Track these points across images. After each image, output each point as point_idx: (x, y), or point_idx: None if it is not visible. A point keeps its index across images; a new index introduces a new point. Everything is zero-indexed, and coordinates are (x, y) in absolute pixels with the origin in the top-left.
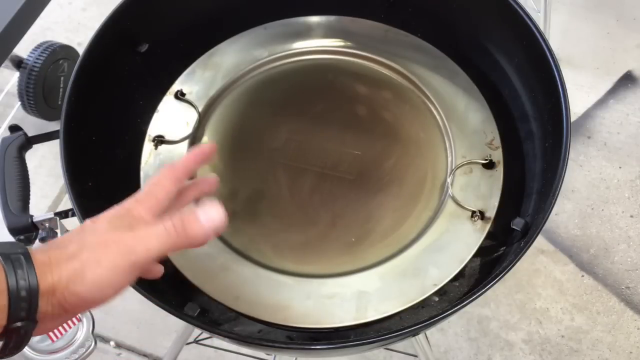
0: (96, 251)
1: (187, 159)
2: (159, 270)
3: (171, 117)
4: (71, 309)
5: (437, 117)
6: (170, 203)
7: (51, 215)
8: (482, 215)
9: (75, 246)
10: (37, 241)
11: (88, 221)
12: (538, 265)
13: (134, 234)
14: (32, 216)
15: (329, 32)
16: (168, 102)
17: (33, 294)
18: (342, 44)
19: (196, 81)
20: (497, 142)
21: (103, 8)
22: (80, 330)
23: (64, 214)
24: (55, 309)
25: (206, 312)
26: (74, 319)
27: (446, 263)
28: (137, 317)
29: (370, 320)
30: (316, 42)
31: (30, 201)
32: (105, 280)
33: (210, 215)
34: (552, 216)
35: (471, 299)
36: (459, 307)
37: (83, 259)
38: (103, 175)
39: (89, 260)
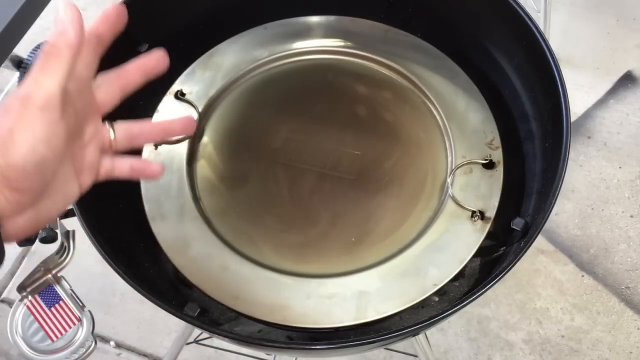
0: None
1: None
2: (155, 169)
3: (171, 117)
4: (19, 186)
5: (437, 117)
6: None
7: None
8: (482, 215)
9: None
10: (37, 241)
11: None
12: (538, 265)
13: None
14: None
15: (329, 32)
16: (168, 102)
17: None
18: (342, 44)
19: (196, 81)
20: (497, 142)
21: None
22: (80, 330)
23: (64, 214)
24: (3, 194)
25: (206, 312)
26: (73, 319)
27: (446, 263)
28: (137, 317)
29: (370, 320)
30: (316, 42)
31: None
32: (26, 137)
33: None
34: (552, 216)
35: (471, 299)
36: (459, 307)
37: None
38: None
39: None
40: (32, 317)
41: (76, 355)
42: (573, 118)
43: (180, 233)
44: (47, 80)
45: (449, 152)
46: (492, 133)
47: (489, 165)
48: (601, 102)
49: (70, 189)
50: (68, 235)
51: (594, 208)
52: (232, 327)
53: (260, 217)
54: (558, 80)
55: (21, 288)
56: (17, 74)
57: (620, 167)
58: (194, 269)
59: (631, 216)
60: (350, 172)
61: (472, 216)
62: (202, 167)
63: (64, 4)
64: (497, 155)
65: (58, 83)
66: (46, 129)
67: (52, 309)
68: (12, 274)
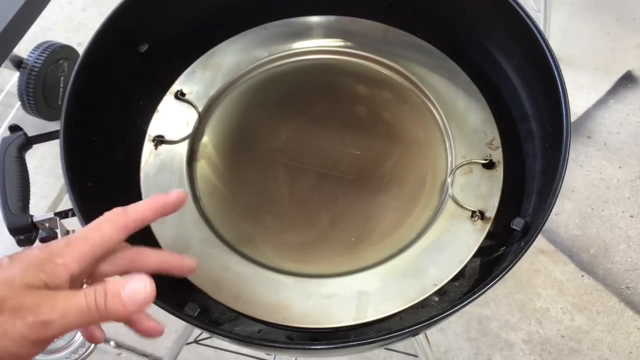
0: (5, 316)
1: (145, 206)
2: (100, 336)
3: (171, 117)
4: None
5: (437, 117)
6: (108, 252)
7: (51, 215)
8: (482, 215)
9: None
10: (37, 241)
11: (5, 260)
12: (538, 265)
13: (53, 303)
14: (32, 216)
15: (329, 32)
16: (168, 102)
17: None
18: (342, 44)
19: (196, 81)
20: (497, 142)
21: (103, 8)
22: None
23: (64, 214)
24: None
25: (206, 312)
26: None
27: (446, 263)
28: None
29: (370, 320)
30: (316, 42)
31: (30, 201)
32: (8, 352)
33: (136, 291)
34: (552, 216)
35: (471, 299)
36: (459, 307)
37: None
38: (103, 175)
39: None
40: None
41: (76, 355)
42: (573, 118)
43: (180, 233)
44: (72, 265)
45: (449, 152)
46: (492, 133)
47: (489, 165)
48: (601, 102)
49: None
50: (68, 235)
51: (594, 208)
52: (232, 327)
53: (260, 217)
54: (558, 80)
55: None
56: (17, 74)
57: (620, 167)
58: None
59: (631, 216)
60: (350, 172)
61: (472, 216)
62: (202, 167)
63: (145, 285)
64: (497, 155)
65: (75, 329)
66: (27, 352)
67: None
68: None
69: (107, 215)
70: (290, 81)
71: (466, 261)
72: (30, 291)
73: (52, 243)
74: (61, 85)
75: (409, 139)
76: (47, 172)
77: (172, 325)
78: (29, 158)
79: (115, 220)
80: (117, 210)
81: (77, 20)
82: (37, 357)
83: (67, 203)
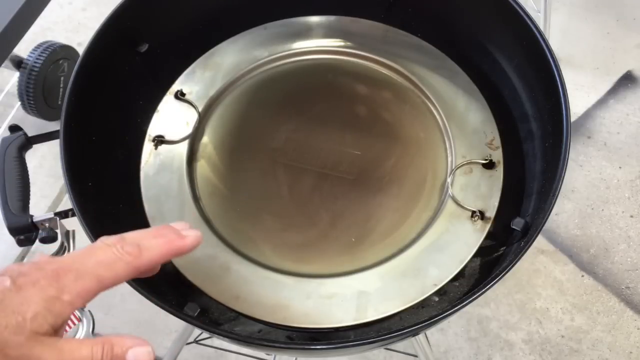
0: None
1: (160, 253)
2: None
3: (171, 117)
4: None
5: (437, 117)
6: (114, 285)
7: (51, 215)
8: (482, 215)
9: None
10: (37, 241)
11: (10, 284)
12: (538, 265)
13: (58, 356)
14: (32, 216)
15: (329, 32)
16: (168, 102)
17: None
18: (342, 44)
19: (196, 81)
20: (497, 142)
21: (103, 8)
22: (80, 330)
23: (64, 214)
24: None
25: (206, 312)
26: (74, 319)
27: (446, 263)
28: (137, 317)
29: (370, 320)
30: (316, 42)
31: (30, 201)
32: None
33: (139, 357)
34: (552, 216)
35: (471, 299)
36: (459, 307)
37: None
38: (103, 175)
39: None
40: None
41: None
42: (573, 118)
43: None
44: (77, 303)
45: (449, 152)
46: (492, 133)
47: (489, 165)
48: (601, 102)
49: None
50: (68, 235)
51: (594, 208)
52: (232, 327)
53: (260, 217)
54: (558, 80)
55: None
56: (17, 74)
57: (620, 167)
58: (194, 269)
59: (631, 216)
60: (350, 172)
61: (472, 216)
62: (202, 167)
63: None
64: (497, 155)
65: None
66: None
67: None
68: None
69: (122, 254)
70: (290, 81)
71: (466, 261)
72: (37, 340)
73: (62, 271)
74: (61, 85)
75: (409, 139)
76: (47, 172)
77: (172, 325)
78: (29, 158)
79: (129, 262)
80: (132, 251)
81: (77, 20)
82: None
83: (67, 203)
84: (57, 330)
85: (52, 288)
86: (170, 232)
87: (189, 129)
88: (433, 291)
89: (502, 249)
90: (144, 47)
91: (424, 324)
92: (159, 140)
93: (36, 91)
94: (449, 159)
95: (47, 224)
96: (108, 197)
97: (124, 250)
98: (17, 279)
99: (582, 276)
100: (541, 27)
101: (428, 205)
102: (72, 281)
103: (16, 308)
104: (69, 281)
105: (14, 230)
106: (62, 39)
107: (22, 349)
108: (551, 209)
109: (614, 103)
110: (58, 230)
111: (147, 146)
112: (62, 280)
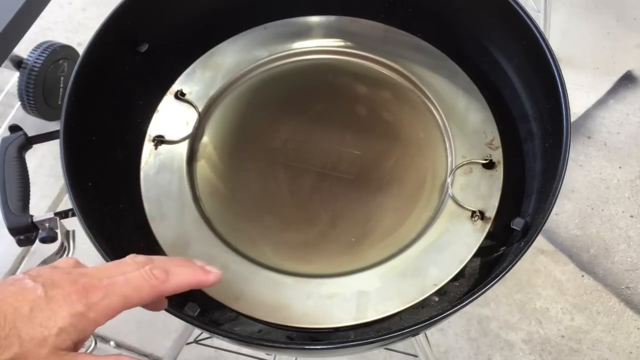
0: None
1: (184, 282)
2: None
3: (171, 117)
4: None
5: (437, 117)
6: (136, 306)
7: (51, 215)
8: (482, 215)
9: None
10: (37, 241)
11: (42, 292)
12: (538, 265)
13: None
14: (32, 216)
15: (329, 32)
16: (168, 102)
17: None
18: (342, 44)
19: (196, 81)
20: (497, 142)
21: (103, 8)
22: None
23: (64, 214)
24: None
25: (206, 312)
26: None
27: (446, 263)
28: (137, 317)
29: (370, 320)
30: (316, 42)
31: (30, 201)
32: None
33: None
34: (552, 216)
35: (471, 299)
36: (459, 307)
37: None
38: (103, 175)
39: None
40: None
41: None
42: (573, 118)
43: (180, 233)
44: (101, 321)
45: (449, 152)
46: (492, 133)
47: (489, 165)
48: (601, 102)
49: None
50: (68, 235)
51: (594, 208)
52: (232, 327)
53: (260, 217)
54: (558, 80)
55: None
56: (17, 74)
57: (620, 167)
58: None
59: (631, 216)
60: (350, 172)
61: (472, 216)
62: (202, 167)
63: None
64: (497, 155)
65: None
66: None
67: None
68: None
69: (150, 277)
70: (290, 81)
71: (466, 261)
72: (57, 355)
73: (91, 287)
74: (61, 85)
75: (409, 139)
76: (47, 172)
77: (172, 325)
78: (29, 158)
79: (155, 286)
80: (160, 276)
81: (77, 20)
82: None
83: (67, 203)
84: (77, 345)
85: (80, 304)
86: (195, 264)
87: (189, 129)
88: (433, 291)
89: (502, 249)
90: (144, 47)
91: (424, 324)
92: (159, 140)
93: (36, 91)
94: (449, 159)
95: (47, 224)
96: (108, 197)
97: (152, 273)
98: (49, 290)
99: (582, 276)
100: (541, 27)
101: (428, 205)
102: (100, 299)
103: (44, 322)
104: (97, 298)
105: (14, 230)
106: (62, 39)
107: None
108: (551, 209)
109: (614, 103)
110: (58, 230)
111: (147, 146)
112: (90, 296)
